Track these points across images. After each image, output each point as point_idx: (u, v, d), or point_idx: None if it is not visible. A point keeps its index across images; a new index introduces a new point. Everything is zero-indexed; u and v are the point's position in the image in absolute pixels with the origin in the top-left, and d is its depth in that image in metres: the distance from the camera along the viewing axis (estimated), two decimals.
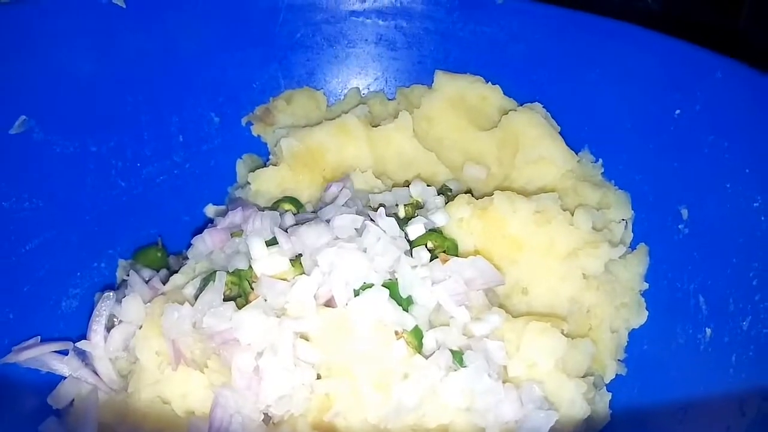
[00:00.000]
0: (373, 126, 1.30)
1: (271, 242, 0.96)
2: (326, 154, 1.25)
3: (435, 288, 0.91)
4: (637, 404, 0.98)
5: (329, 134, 1.25)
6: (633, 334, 1.06)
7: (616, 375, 1.02)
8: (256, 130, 1.38)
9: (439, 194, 1.13)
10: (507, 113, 1.28)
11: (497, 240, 1.06)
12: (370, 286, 0.88)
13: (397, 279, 0.91)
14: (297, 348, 0.85)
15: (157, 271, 1.13)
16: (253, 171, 1.35)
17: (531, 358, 0.90)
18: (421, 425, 0.86)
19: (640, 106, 1.17)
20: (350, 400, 0.85)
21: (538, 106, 1.27)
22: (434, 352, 0.86)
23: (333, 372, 0.86)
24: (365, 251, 0.92)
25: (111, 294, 0.98)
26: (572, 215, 1.08)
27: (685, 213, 1.06)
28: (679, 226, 1.07)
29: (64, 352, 0.95)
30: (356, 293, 0.88)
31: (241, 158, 1.38)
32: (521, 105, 1.30)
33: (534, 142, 1.22)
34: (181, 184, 1.31)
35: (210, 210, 1.33)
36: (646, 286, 1.09)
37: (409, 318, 0.86)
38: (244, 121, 1.37)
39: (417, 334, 0.87)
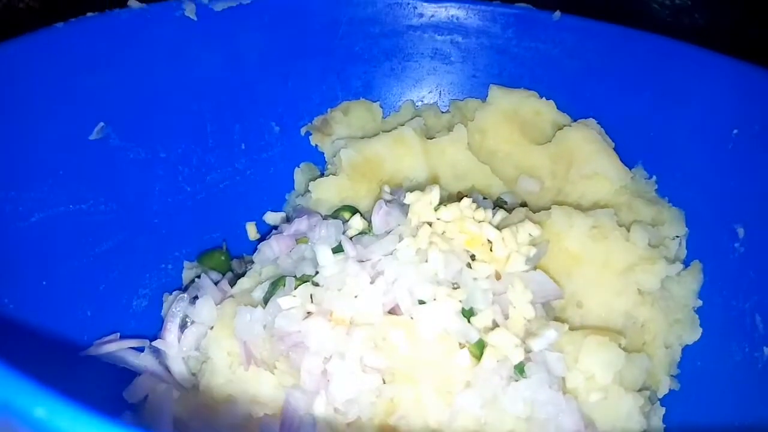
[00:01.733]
0: (428, 138, 1.34)
1: (337, 249, 1.00)
2: (383, 165, 1.29)
3: (497, 300, 0.94)
4: (691, 421, 0.99)
5: (386, 145, 1.29)
6: (687, 350, 1.08)
7: (670, 390, 1.04)
8: (314, 139, 1.42)
9: (494, 207, 1.16)
10: (561, 128, 1.31)
11: (554, 253, 1.08)
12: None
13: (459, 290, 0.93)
14: (364, 354, 0.89)
15: (223, 274, 1.18)
16: (311, 180, 1.40)
17: (589, 371, 0.93)
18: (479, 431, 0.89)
19: (695, 125, 1.18)
20: (413, 406, 0.88)
21: (592, 121, 1.29)
22: (495, 362, 0.88)
23: (397, 378, 0.90)
24: (428, 261, 0.95)
25: (184, 296, 1.03)
26: (628, 231, 1.10)
27: (741, 232, 1.07)
28: (735, 245, 1.08)
29: (140, 349, 1.01)
30: (420, 302, 0.92)
31: (299, 167, 1.43)
32: (575, 120, 1.32)
33: (588, 157, 1.24)
34: (242, 191, 1.36)
35: (269, 217, 1.37)
36: (700, 303, 1.10)
37: (473, 330, 0.89)
38: (303, 131, 1.42)
39: (480, 345, 0.90)
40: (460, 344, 0.89)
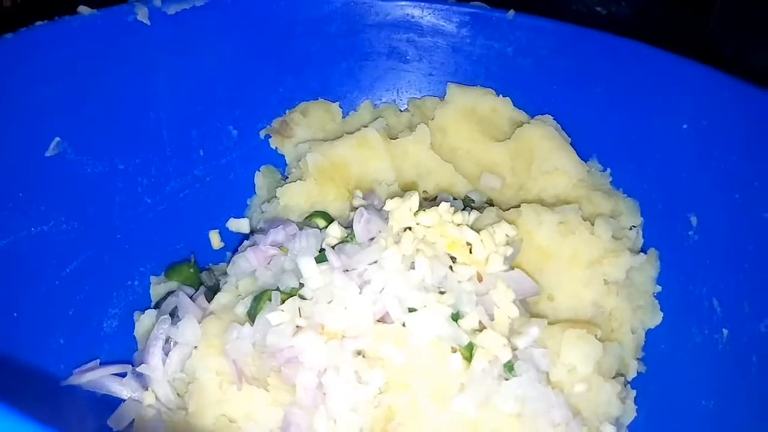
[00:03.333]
0: (390, 138, 1.35)
1: (319, 259, 1.00)
2: (349, 168, 1.29)
3: (481, 301, 0.97)
4: (659, 401, 1.06)
5: (351, 148, 1.29)
6: (650, 334, 1.14)
7: (638, 373, 1.10)
8: (274, 142, 1.40)
9: (465, 207, 1.18)
10: (520, 125, 1.35)
11: (525, 250, 1.12)
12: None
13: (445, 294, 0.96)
14: (358, 365, 0.90)
15: (195, 288, 1.15)
16: (273, 183, 1.39)
17: (571, 363, 0.98)
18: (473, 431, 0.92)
19: (646, 119, 1.25)
20: (410, 413, 0.90)
21: (549, 118, 1.34)
22: (486, 363, 0.91)
23: (392, 386, 0.91)
24: (413, 267, 0.96)
25: (167, 317, 1.00)
26: (592, 224, 1.15)
27: (694, 220, 1.15)
28: (689, 233, 1.15)
29: (122, 375, 0.97)
30: (410, 310, 0.93)
31: (259, 171, 1.40)
32: (531, 117, 1.36)
33: (547, 153, 1.29)
34: (203, 198, 1.32)
35: (232, 224, 1.34)
36: (659, 288, 1.17)
37: (463, 334, 0.92)
38: (262, 134, 1.40)
39: (470, 348, 0.92)
40: (452, 348, 0.92)
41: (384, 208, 1.05)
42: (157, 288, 1.18)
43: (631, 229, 1.23)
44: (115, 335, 1.09)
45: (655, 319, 1.14)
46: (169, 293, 1.13)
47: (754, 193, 1.04)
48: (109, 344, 1.07)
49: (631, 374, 1.10)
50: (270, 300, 0.96)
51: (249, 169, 1.40)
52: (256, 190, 1.40)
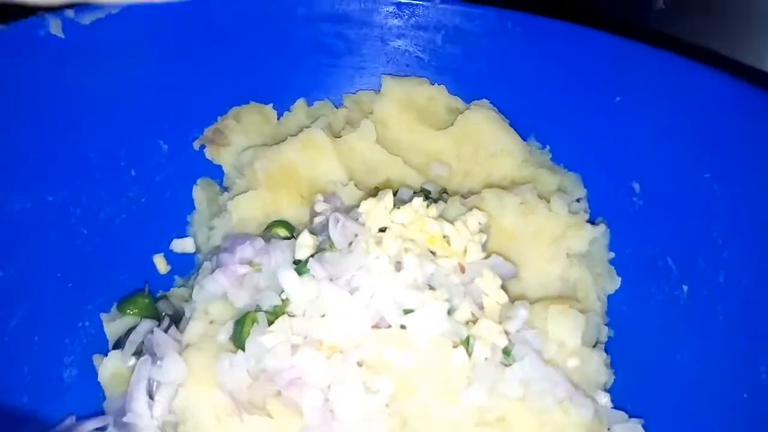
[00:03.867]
0: (333, 136, 1.31)
1: (299, 271, 0.96)
2: (299, 171, 1.24)
3: (468, 292, 0.98)
4: (631, 362, 1.12)
5: (298, 151, 1.25)
6: (611, 299, 1.20)
7: (608, 338, 1.16)
8: (209, 153, 1.32)
9: (426, 199, 1.18)
10: (457, 112, 1.36)
11: (491, 234, 1.14)
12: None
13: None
14: (363, 375, 0.87)
15: (156, 320, 1.06)
16: (210, 197, 1.31)
17: (559, 339, 1.01)
18: (481, 420, 0.93)
19: (579, 95, 1.29)
20: (421, 414, 0.89)
21: (486, 102, 1.36)
22: (488, 352, 0.92)
23: (400, 390, 0.89)
24: (399, 268, 0.95)
25: (147, 357, 0.91)
26: (548, 201, 1.19)
27: (637, 187, 1.21)
28: (634, 199, 1.22)
29: (103, 428, 0.88)
30: (406, 311, 0.92)
31: (196, 184, 1.32)
32: (467, 103, 1.38)
33: (491, 136, 1.31)
34: (141, 221, 1.22)
35: (176, 245, 1.26)
36: (612, 255, 1.23)
37: (462, 327, 0.92)
38: (196, 145, 1.31)
39: (468, 340, 0.93)
40: (453, 343, 0.91)
41: (358, 209, 1.02)
42: (112, 326, 1.08)
43: (578, 201, 1.28)
44: (78, 384, 0.99)
45: (614, 284, 1.20)
46: (130, 330, 1.03)
47: (694, 156, 1.12)
48: (73, 394, 0.97)
49: (602, 339, 1.15)
50: (257, 322, 0.91)
51: (185, 185, 1.31)
52: (195, 206, 1.32)
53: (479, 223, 1.05)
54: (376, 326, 0.92)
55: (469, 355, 0.92)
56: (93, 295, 1.10)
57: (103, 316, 1.10)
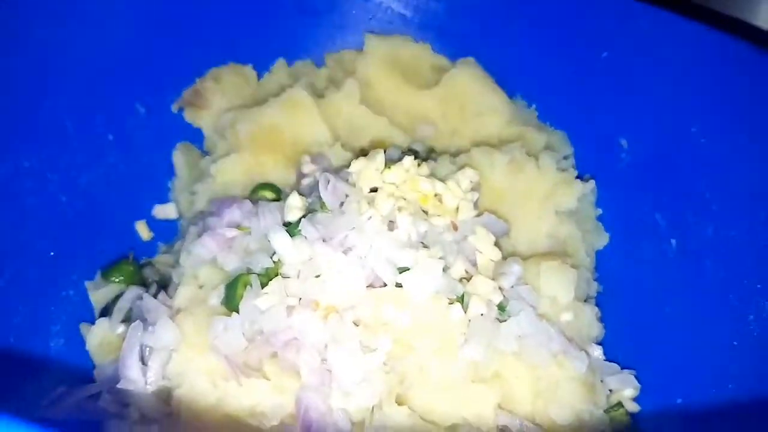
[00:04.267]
0: (316, 96, 1.28)
1: (291, 233, 0.94)
2: (282, 133, 1.21)
3: (461, 249, 0.97)
4: (622, 315, 1.13)
5: (281, 111, 1.22)
6: (599, 254, 1.21)
7: (597, 292, 1.17)
8: (188, 116, 1.29)
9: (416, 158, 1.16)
10: (442, 70, 1.34)
11: (482, 192, 1.13)
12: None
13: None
14: (361, 335, 0.87)
15: (141, 286, 1.04)
16: (190, 161, 1.28)
17: (552, 294, 1.01)
18: (477, 377, 0.93)
19: (565, 52, 1.28)
20: (419, 371, 0.89)
21: (471, 60, 1.34)
22: (484, 308, 0.92)
23: (397, 349, 0.89)
24: (398, 227, 0.94)
25: (139, 323, 0.89)
26: (536, 159, 1.19)
27: (624, 143, 1.22)
28: (621, 155, 1.22)
29: (96, 395, 0.86)
30: (401, 270, 0.91)
31: (176, 149, 1.28)
32: (453, 61, 1.36)
33: (477, 95, 1.30)
34: (121, 188, 1.19)
35: (158, 211, 1.23)
36: (600, 211, 1.24)
37: (458, 284, 0.92)
38: (174, 107, 1.27)
39: (463, 297, 0.92)
40: (449, 300, 0.91)
41: (349, 170, 1.00)
42: (97, 294, 1.05)
43: (565, 159, 1.28)
44: (66, 353, 0.96)
45: (602, 240, 1.21)
46: (116, 297, 1.01)
47: (681, 110, 1.12)
48: (62, 364, 0.94)
49: (592, 294, 1.16)
50: (249, 285, 0.89)
51: (164, 149, 1.27)
52: (176, 171, 1.28)
53: (470, 182, 1.04)
54: (371, 285, 0.91)
55: (465, 311, 0.92)
56: (76, 264, 1.06)
57: (88, 284, 1.07)
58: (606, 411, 0.96)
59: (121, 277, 1.06)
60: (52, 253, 1.03)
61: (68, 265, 1.05)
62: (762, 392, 0.79)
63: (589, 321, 1.03)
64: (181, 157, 1.28)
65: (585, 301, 1.09)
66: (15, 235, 0.98)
